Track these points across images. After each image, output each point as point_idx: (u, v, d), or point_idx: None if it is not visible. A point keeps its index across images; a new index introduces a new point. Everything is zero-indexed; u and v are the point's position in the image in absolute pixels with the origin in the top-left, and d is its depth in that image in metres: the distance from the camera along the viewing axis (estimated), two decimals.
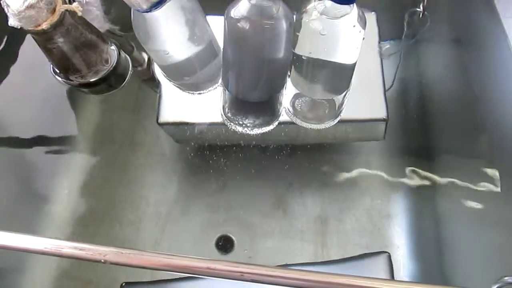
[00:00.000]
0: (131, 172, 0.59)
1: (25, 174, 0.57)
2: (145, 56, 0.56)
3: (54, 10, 0.36)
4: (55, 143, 0.59)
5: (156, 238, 0.55)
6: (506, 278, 0.22)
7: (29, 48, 0.55)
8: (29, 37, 0.56)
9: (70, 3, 0.37)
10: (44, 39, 0.38)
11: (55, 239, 0.22)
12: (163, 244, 0.54)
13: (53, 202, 0.56)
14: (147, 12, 0.35)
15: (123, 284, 0.49)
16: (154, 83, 0.57)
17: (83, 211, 0.56)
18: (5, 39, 0.55)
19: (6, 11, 0.35)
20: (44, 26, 0.36)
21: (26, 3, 0.34)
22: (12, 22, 0.35)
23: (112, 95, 0.56)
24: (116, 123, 0.61)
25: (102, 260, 0.21)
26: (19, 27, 0.35)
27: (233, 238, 0.54)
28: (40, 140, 0.57)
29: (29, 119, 0.57)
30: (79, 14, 0.37)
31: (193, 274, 0.21)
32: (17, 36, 0.56)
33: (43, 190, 0.57)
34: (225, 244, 0.54)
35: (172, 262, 0.21)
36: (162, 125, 0.55)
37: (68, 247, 0.21)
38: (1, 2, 0.35)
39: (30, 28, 0.36)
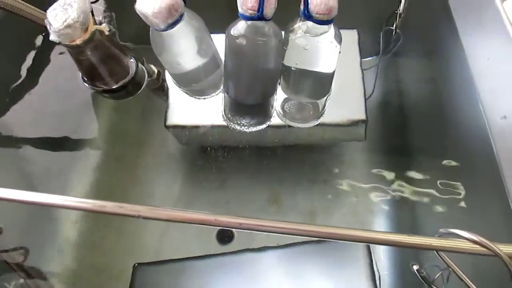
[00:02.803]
0: (139, 171, 0.62)
1: (44, 168, 0.60)
2: (155, 69, 0.61)
3: (86, 29, 0.42)
4: (74, 141, 0.62)
5: (162, 231, 0.58)
6: (441, 230, 0.29)
7: (63, 59, 0.61)
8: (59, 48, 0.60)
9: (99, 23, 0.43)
10: (76, 52, 0.44)
11: (101, 201, 0.28)
12: (168, 236, 0.57)
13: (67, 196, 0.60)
14: (163, 30, 0.41)
15: (136, 264, 0.53)
16: (162, 92, 0.61)
17: None
18: (35, 51, 0.60)
19: (48, 28, 0.41)
20: (78, 42, 0.42)
21: (65, 23, 0.40)
22: (53, 37, 0.41)
23: (125, 101, 0.60)
24: (127, 126, 0.65)
25: (137, 215, 0.28)
26: (57, 42, 0.41)
27: (233, 230, 0.56)
28: (61, 138, 0.61)
29: (56, 118, 0.61)
30: (106, 33, 0.43)
31: (205, 225, 0.28)
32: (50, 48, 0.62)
33: (58, 183, 0.60)
34: (224, 236, 0.57)
35: (189, 216, 0.27)
36: (169, 127, 0.59)
37: (111, 206, 0.28)
38: (45, 21, 0.41)
39: (67, 43, 0.42)
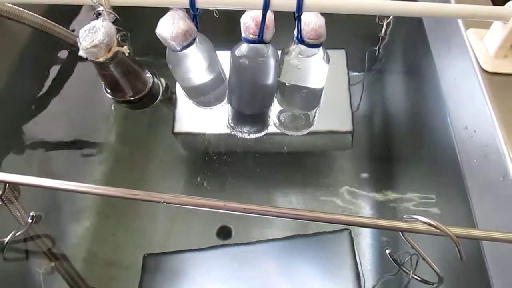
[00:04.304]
0: (148, 174, 0.66)
1: (61, 169, 0.63)
2: (164, 82, 0.65)
3: (110, 50, 0.48)
4: (90, 144, 0.66)
5: (167, 228, 0.62)
6: (405, 216, 0.35)
7: (85, 72, 0.67)
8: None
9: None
10: (100, 67, 0.50)
11: (133, 190, 0.35)
12: (173, 233, 0.61)
13: (80, 196, 0.63)
14: (178, 51, 0.47)
15: (145, 255, 0.57)
16: (169, 103, 0.66)
17: (106, 204, 0.63)
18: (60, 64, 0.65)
19: (79, 45, 0.47)
20: (102, 59, 0.48)
21: (92, 44, 0.46)
22: (81, 53, 0.47)
23: (137, 111, 0.65)
24: (137, 133, 0.69)
25: (162, 201, 0.35)
26: (85, 57, 0.48)
27: (231, 227, 0.61)
28: (79, 141, 0.65)
29: (78, 124, 0.65)
30: (126, 54, 0.49)
31: (216, 209, 0.34)
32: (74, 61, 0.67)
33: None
34: (224, 233, 0.60)
35: (203, 202, 0.34)
36: (176, 134, 0.64)
37: (142, 194, 0.34)
38: (76, 39, 0.47)
39: (92, 59, 0.48)
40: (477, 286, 0.43)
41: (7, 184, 0.38)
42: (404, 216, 0.35)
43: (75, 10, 0.68)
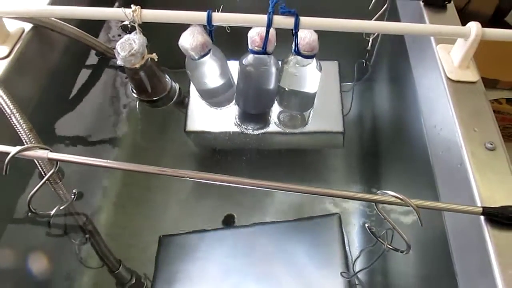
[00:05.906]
0: (160, 166, 0.72)
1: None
2: (177, 86, 0.72)
3: (143, 57, 0.56)
4: (113, 138, 0.72)
5: (177, 216, 0.67)
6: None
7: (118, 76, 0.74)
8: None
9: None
10: (133, 72, 0.58)
11: (162, 167, 0.44)
12: (183, 220, 0.67)
13: (101, 185, 0.69)
14: (196, 60, 0.56)
15: (161, 236, 0.64)
16: (182, 105, 0.72)
17: (122, 196, 0.68)
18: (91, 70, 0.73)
19: (117, 56, 0.55)
20: (137, 66, 0.56)
21: (130, 53, 0.54)
22: (119, 62, 0.56)
23: (152, 110, 0.71)
24: (152, 131, 0.75)
25: (186, 177, 0.43)
26: (122, 65, 0.56)
27: (235, 215, 0.67)
28: (104, 135, 0.71)
29: (105, 120, 0.72)
30: (155, 60, 0.58)
31: (232, 184, 0.43)
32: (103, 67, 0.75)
33: (95, 174, 0.69)
34: (229, 220, 0.67)
35: (220, 178, 0.42)
36: (188, 133, 0.70)
37: (170, 171, 0.43)
38: (114, 50, 0.56)
39: (128, 66, 0.56)
40: (438, 249, 0.51)
41: (58, 164, 0.46)
42: (378, 192, 0.43)
43: (102, 22, 0.77)
